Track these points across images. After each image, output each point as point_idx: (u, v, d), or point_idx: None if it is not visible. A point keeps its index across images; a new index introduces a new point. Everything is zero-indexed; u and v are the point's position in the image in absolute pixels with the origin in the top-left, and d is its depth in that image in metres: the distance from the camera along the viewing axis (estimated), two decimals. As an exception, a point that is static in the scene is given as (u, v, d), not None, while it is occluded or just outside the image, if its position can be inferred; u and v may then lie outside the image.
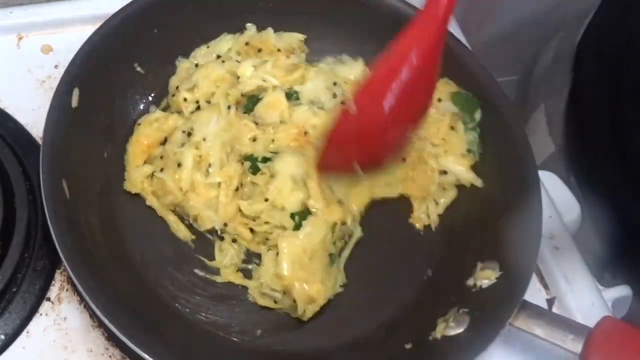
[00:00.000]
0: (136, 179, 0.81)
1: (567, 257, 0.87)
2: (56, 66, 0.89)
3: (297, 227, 0.77)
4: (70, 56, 0.79)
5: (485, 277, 0.77)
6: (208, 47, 0.89)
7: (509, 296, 0.74)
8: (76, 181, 0.77)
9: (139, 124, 0.84)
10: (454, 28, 0.96)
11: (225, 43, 0.89)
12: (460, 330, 0.75)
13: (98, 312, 0.68)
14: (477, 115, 0.86)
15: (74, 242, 0.72)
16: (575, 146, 1.07)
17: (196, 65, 0.88)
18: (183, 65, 0.88)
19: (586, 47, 1.06)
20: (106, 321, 0.68)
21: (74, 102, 0.78)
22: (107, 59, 0.82)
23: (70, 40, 0.80)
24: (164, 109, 0.86)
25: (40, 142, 0.82)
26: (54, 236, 0.70)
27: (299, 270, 0.75)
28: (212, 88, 0.84)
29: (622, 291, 0.93)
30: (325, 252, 0.78)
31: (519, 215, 0.78)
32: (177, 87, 0.86)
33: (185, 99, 0.84)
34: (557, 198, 0.92)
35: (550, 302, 0.84)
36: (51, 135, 0.75)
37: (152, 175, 0.81)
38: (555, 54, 1.17)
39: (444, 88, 0.87)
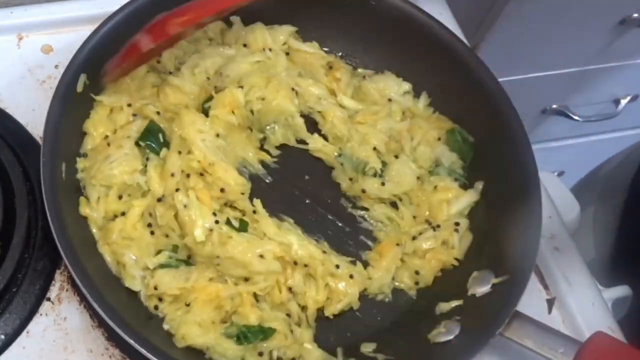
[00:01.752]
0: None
1: (567, 257, 0.87)
2: (56, 66, 0.89)
3: None
4: (70, 56, 0.79)
5: (480, 286, 0.77)
6: None
7: (501, 306, 0.74)
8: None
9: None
10: (454, 28, 0.96)
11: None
12: (450, 337, 0.75)
13: (98, 309, 0.68)
14: (468, 159, 0.86)
15: (73, 235, 0.72)
16: (623, 259, 1.05)
17: None
18: None
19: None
20: (107, 319, 0.68)
21: (79, 87, 0.78)
22: (116, 47, 0.81)
23: (70, 40, 0.80)
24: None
25: (40, 142, 0.82)
26: (51, 225, 0.70)
27: None
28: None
29: (622, 291, 0.93)
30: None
31: (517, 226, 0.78)
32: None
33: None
34: (557, 198, 0.92)
35: (551, 302, 0.84)
36: (54, 119, 0.75)
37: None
38: (621, 161, 1.15)
39: (439, 125, 0.87)
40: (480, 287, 0.77)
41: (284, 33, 0.90)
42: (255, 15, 0.89)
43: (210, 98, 0.82)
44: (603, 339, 0.72)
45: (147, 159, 0.79)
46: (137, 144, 0.79)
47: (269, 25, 0.90)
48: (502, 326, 0.72)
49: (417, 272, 0.81)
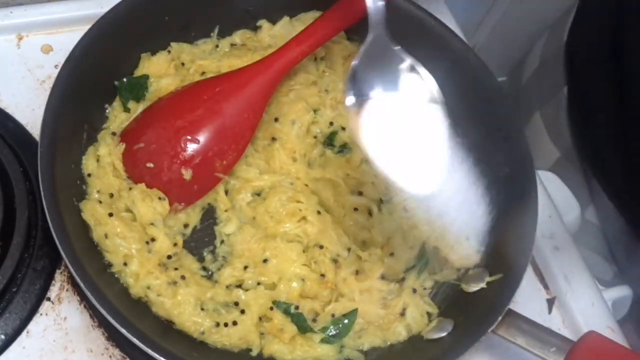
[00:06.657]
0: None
1: (567, 257, 0.87)
2: (56, 66, 0.89)
3: None
4: (70, 56, 0.79)
5: (474, 284, 0.77)
6: None
7: (494, 305, 0.74)
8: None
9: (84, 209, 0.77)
10: (454, 28, 0.96)
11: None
12: (443, 334, 0.75)
13: (99, 307, 0.68)
14: None
15: (73, 235, 0.72)
16: (585, 146, 1.03)
17: None
18: None
19: (576, 43, 1.02)
20: (109, 318, 0.67)
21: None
22: (113, 44, 0.82)
23: (70, 40, 0.80)
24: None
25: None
26: (51, 225, 0.70)
27: None
28: None
29: (622, 291, 0.93)
30: None
31: (513, 226, 0.78)
32: None
33: None
34: (557, 198, 0.92)
35: (551, 302, 0.84)
36: (51, 117, 0.75)
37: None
38: (542, 56, 1.13)
39: None
40: (474, 285, 0.77)
41: (310, 20, 0.89)
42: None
43: None
44: (595, 338, 0.72)
45: None
46: None
47: (294, 17, 0.90)
48: (495, 324, 0.72)
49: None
